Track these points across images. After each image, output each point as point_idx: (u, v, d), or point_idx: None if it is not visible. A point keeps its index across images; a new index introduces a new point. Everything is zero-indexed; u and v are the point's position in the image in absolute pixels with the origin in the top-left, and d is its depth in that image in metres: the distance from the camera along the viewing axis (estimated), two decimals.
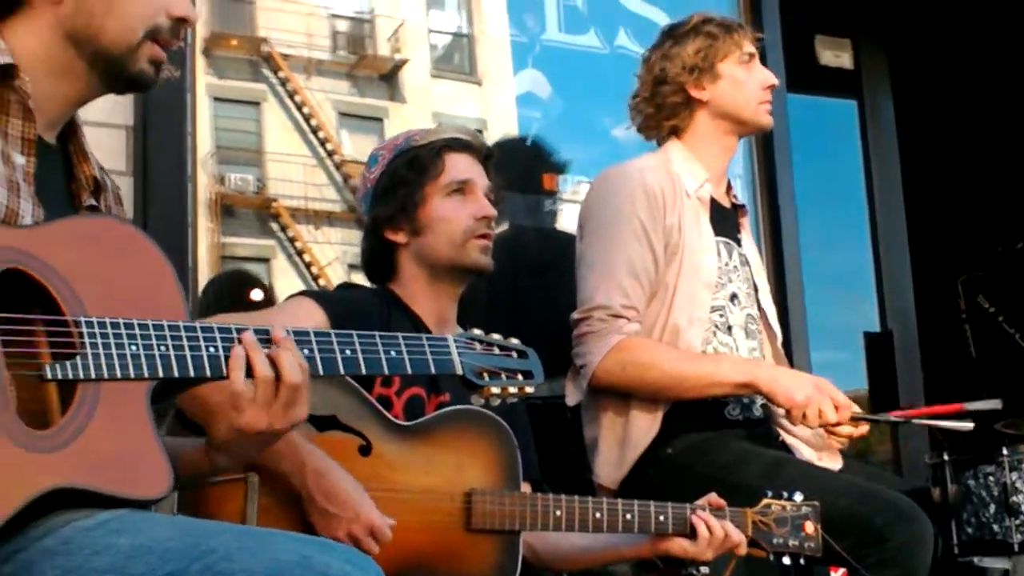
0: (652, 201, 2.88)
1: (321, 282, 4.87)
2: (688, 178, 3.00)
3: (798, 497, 2.52)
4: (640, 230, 2.86)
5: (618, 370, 2.77)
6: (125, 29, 1.74)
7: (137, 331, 1.56)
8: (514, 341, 2.03)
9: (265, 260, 5.06)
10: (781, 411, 2.83)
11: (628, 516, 2.40)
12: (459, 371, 1.90)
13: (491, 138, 2.99)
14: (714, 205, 3.05)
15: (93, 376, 1.51)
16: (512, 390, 1.95)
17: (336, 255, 4.87)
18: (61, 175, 1.81)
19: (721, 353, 2.92)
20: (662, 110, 3.07)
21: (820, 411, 2.70)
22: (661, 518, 2.43)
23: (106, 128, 2.91)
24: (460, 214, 2.60)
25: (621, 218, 2.87)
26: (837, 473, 2.92)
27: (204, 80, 3.99)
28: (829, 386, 2.76)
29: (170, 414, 2.04)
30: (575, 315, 2.87)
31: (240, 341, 1.65)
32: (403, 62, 4.72)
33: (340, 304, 2.45)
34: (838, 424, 2.74)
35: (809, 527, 2.51)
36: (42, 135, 1.74)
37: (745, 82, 3.04)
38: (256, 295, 4.18)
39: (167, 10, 1.77)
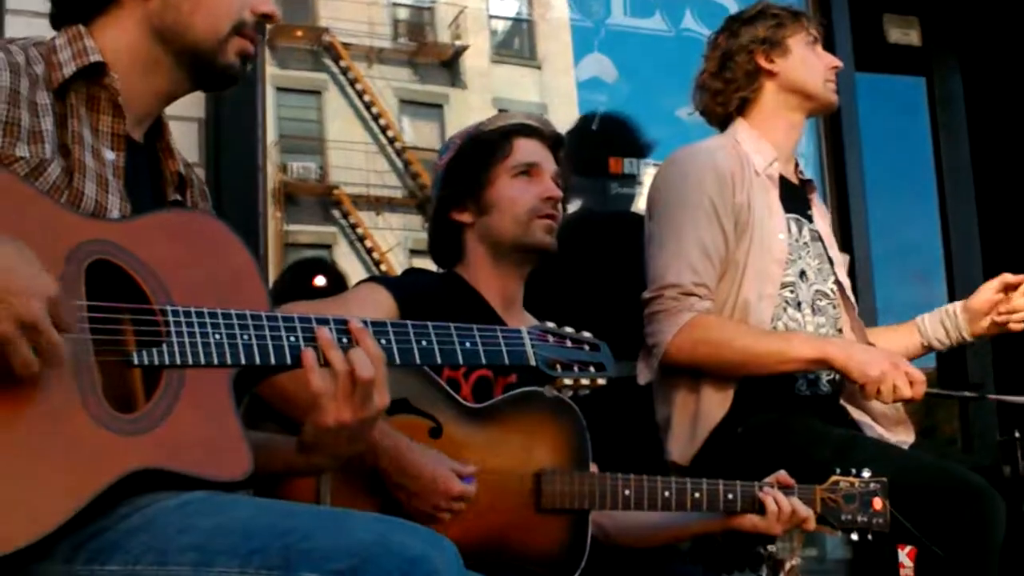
0: (721, 180, 2.89)
1: (383, 267, 4.91)
2: (757, 156, 3.01)
3: (866, 473, 2.52)
4: (710, 209, 2.86)
5: (689, 348, 2.77)
6: (212, 24, 1.79)
7: (220, 320, 1.62)
8: (586, 334, 2.05)
9: (327, 246, 5.11)
10: (854, 386, 2.82)
11: (696, 495, 2.41)
12: (532, 362, 1.93)
13: (552, 121, 3.01)
14: (783, 182, 3.05)
15: (178, 362, 1.57)
16: (584, 382, 1.98)
17: (397, 240, 4.90)
18: (147, 172, 1.87)
19: (792, 331, 2.92)
20: (732, 83, 3.09)
21: (895, 386, 2.68)
22: (730, 496, 2.43)
23: (180, 122, 2.96)
24: (526, 194, 2.62)
25: (691, 197, 2.88)
26: (909, 450, 2.91)
27: (267, 71, 4.05)
28: (903, 361, 2.74)
29: (244, 402, 2.09)
30: (646, 294, 2.87)
31: (315, 338, 1.69)
32: (463, 48, 4.73)
33: (408, 289, 2.48)
34: (912, 399, 2.73)
35: (877, 503, 2.51)
36: (130, 133, 1.79)
37: (813, 58, 3.08)
38: (327, 283, 4.23)
39: (252, 6, 1.83)
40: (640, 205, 4.00)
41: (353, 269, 4.92)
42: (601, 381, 2.00)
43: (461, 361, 1.85)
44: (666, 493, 2.38)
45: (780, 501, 2.43)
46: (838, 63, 3.12)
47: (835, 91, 3.11)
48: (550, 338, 1.98)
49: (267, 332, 1.65)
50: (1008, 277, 3.00)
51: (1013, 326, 3.01)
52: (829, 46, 3.17)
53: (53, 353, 1.41)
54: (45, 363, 1.41)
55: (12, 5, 2.87)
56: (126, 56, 1.79)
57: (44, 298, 1.40)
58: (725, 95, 3.10)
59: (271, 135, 4.31)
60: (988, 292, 3.02)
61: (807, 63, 3.06)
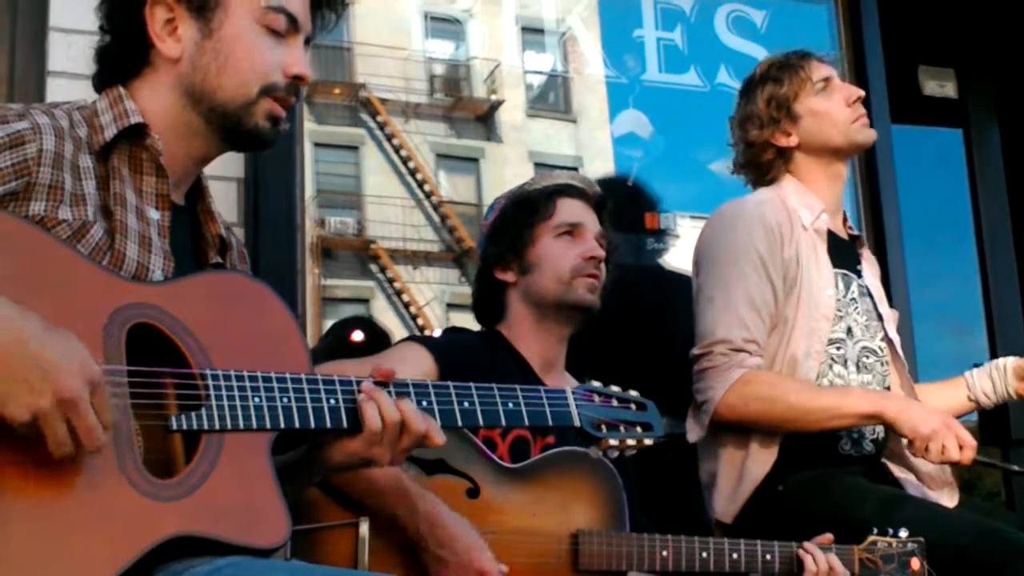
0: (770, 234, 2.86)
1: (419, 321, 4.92)
2: (804, 211, 2.97)
3: (903, 533, 2.50)
4: (759, 263, 2.84)
5: (741, 404, 2.73)
6: (240, 85, 1.79)
7: (260, 383, 1.61)
8: (633, 393, 2.01)
9: (365, 301, 5.13)
10: (901, 443, 2.78)
11: (735, 555, 2.39)
12: (577, 423, 1.90)
13: (587, 175, 3.02)
14: (831, 237, 3.02)
15: (217, 427, 1.57)
16: (630, 442, 1.94)
17: (434, 294, 4.91)
18: (188, 234, 1.88)
19: (846, 386, 2.89)
20: (760, 168, 3.07)
21: (944, 447, 2.64)
22: (768, 557, 2.41)
23: (219, 181, 2.98)
24: (568, 253, 2.63)
25: (739, 252, 2.85)
26: (953, 510, 2.86)
27: (304, 126, 4.09)
28: (956, 424, 2.69)
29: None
30: (695, 350, 2.84)
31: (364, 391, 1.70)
32: (499, 103, 4.76)
33: (447, 349, 2.48)
34: (959, 463, 2.68)
35: (915, 564, 2.48)
36: (171, 194, 1.80)
37: (827, 110, 3.00)
38: (364, 338, 4.23)
39: (283, 68, 1.82)
40: (676, 261, 3.99)
41: (390, 323, 4.93)
42: (648, 442, 1.96)
43: (504, 423, 1.83)
44: (704, 554, 2.36)
45: (818, 559, 2.40)
46: (858, 93, 3.03)
47: (866, 125, 3.03)
48: (595, 398, 1.95)
49: (307, 395, 1.65)
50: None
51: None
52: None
53: (88, 437, 1.40)
54: (80, 446, 1.40)
55: (53, 67, 2.92)
56: (162, 118, 1.80)
57: (87, 380, 1.40)
58: (760, 177, 3.08)
59: (309, 190, 4.34)
60: None
61: (820, 118, 2.99)
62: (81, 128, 1.75)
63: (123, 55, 1.83)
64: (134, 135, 1.77)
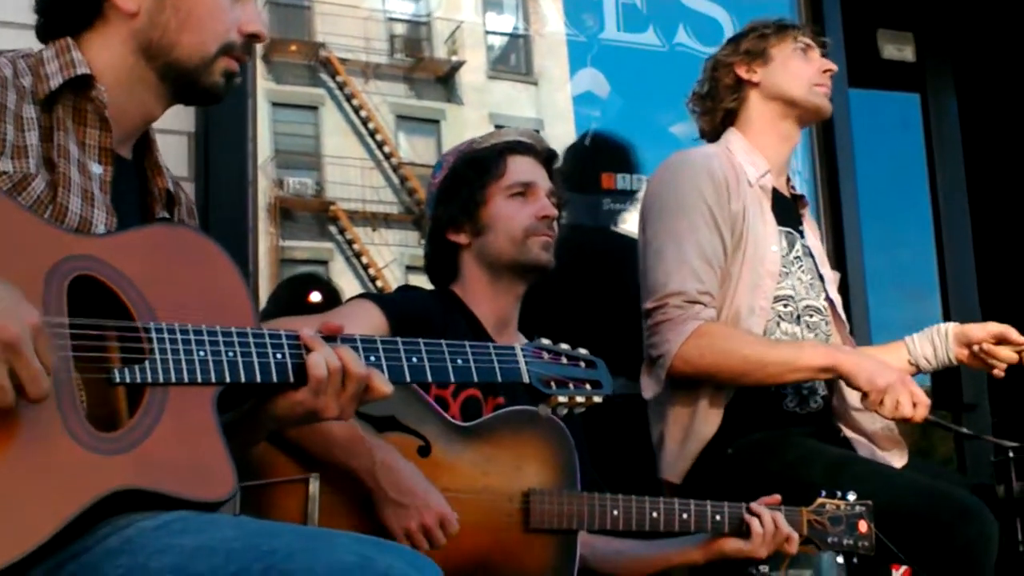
0: (718, 186, 2.86)
1: (379, 283, 4.89)
2: (750, 167, 2.98)
3: (851, 496, 2.53)
4: (708, 215, 2.83)
5: (697, 357, 2.72)
6: (199, 44, 1.79)
7: (206, 337, 1.60)
8: (582, 351, 2.02)
9: (323, 262, 5.09)
10: (855, 396, 2.79)
11: (684, 515, 2.41)
12: (526, 380, 1.90)
13: (548, 138, 2.99)
14: (776, 195, 3.03)
15: (161, 380, 1.55)
16: (579, 399, 1.94)
17: (394, 257, 4.88)
18: (135, 188, 1.86)
19: (802, 340, 2.90)
20: (716, 97, 3.08)
21: (898, 402, 2.65)
22: (717, 517, 2.43)
23: (169, 135, 2.94)
24: (521, 213, 2.63)
25: (688, 203, 2.85)
26: (902, 471, 2.89)
27: (263, 85, 4.04)
28: (911, 380, 2.70)
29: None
30: (648, 304, 2.83)
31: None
32: (460, 64, 4.72)
33: (399, 306, 2.47)
34: (911, 419, 2.69)
35: (863, 526, 2.52)
36: (116, 149, 1.78)
37: (798, 64, 3.04)
38: (322, 299, 4.21)
39: (239, 27, 1.83)
40: (633, 221, 3.99)
41: (349, 285, 4.90)
42: (597, 399, 1.96)
43: (452, 379, 1.82)
44: (654, 514, 2.38)
45: (765, 521, 2.42)
46: (831, 66, 3.07)
47: (827, 96, 3.06)
48: (545, 355, 1.96)
49: (253, 349, 1.64)
50: (1012, 334, 2.91)
51: (997, 372, 2.96)
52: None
53: (33, 384, 1.37)
54: (24, 395, 1.37)
55: (1, 17, 2.86)
56: (111, 72, 1.78)
57: (26, 324, 1.37)
58: (712, 112, 3.10)
59: (267, 150, 4.30)
60: (983, 331, 2.96)
61: (789, 69, 3.03)
62: (25, 77, 1.73)
63: (74, 7, 1.81)
64: (80, 87, 1.75)
